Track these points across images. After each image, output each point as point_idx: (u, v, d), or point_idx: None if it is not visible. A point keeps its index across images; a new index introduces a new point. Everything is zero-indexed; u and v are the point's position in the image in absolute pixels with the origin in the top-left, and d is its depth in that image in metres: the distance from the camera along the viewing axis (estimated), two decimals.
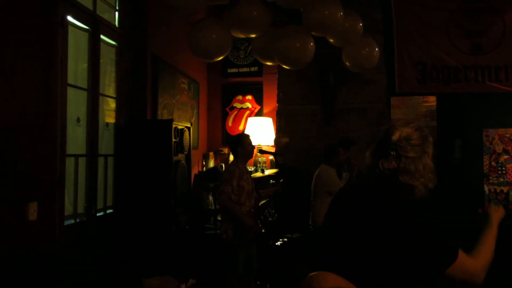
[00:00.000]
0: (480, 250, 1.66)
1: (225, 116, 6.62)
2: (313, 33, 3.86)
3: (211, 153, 6.29)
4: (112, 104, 4.16)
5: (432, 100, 5.50)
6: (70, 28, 3.40)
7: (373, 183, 1.69)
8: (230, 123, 6.59)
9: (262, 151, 4.87)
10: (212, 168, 5.55)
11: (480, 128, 5.32)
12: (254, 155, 5.51)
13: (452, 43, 5.35)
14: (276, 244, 4.76)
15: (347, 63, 4.52)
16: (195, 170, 5.59)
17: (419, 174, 1.61)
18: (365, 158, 1.75)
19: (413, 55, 5.45)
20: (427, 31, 5.42)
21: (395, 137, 1.64)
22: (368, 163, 1.72)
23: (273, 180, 5.49)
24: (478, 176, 5.27)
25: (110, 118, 4.13)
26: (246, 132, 5.67)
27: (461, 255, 1.56)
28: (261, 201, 4.26)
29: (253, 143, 4.12)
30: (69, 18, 3.37)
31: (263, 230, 4.08)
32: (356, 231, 1.61)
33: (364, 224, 1.60)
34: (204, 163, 6.10)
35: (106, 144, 4.02)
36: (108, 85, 4.09)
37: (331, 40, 4.22)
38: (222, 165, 6.05)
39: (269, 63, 4.53)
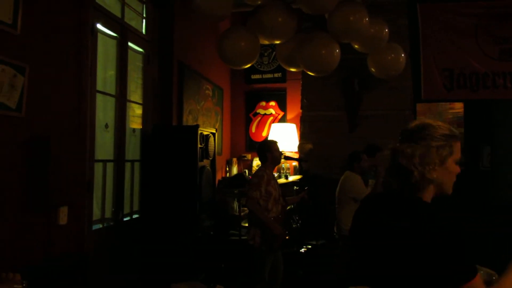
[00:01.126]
0: (504, 281, 1.50)
1: (248, 122, 6.63)
2: (338, 39, 3.84)
3: (235, 159, 6.31)
4: (138, 110, 4.21)
5: (458, 107, 5.40)
6: (99, 36, 3.47)
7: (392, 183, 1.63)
8: (253, 129, 6.60)
9: (286, 157, 4.85)
10: (238, 174, 5.56)
11: (509, 135, 5.20)
12: None
13: (480, 49, 5.24)
14: (300, 251, 4.73)
15: (373, 69, 4.48)
16: (219, 176, 5.61)
17: (419, 162, 1.53)
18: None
19: (439, 61, 5.37)
20: (454, 37, 5.33)
21: (423, 125, 1.63)
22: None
23: (296, 187, 5.46)
24: (508, 184, 5.14)
25: (136, 124, 4.19)
26: (269, 138, 5.67)
27: (479, 280, 1.43)
28: (287, 207, 4.25)
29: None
30: (99, 26, 3.44)
31: (287, 237, 4.06)
32: (379, 235, 1.57)
33: (385, 227, 1.55)
34: (227, 169, 6.12)
35: (132, 150, 4.07)
36: (134, 92, 4.14)
37: (356, 46, 4.20)
38: (245, 171, 6.06)
39: (293, 69, 4.53)
